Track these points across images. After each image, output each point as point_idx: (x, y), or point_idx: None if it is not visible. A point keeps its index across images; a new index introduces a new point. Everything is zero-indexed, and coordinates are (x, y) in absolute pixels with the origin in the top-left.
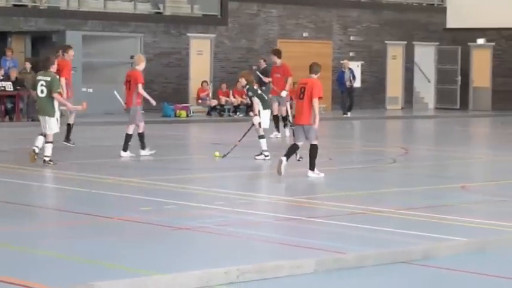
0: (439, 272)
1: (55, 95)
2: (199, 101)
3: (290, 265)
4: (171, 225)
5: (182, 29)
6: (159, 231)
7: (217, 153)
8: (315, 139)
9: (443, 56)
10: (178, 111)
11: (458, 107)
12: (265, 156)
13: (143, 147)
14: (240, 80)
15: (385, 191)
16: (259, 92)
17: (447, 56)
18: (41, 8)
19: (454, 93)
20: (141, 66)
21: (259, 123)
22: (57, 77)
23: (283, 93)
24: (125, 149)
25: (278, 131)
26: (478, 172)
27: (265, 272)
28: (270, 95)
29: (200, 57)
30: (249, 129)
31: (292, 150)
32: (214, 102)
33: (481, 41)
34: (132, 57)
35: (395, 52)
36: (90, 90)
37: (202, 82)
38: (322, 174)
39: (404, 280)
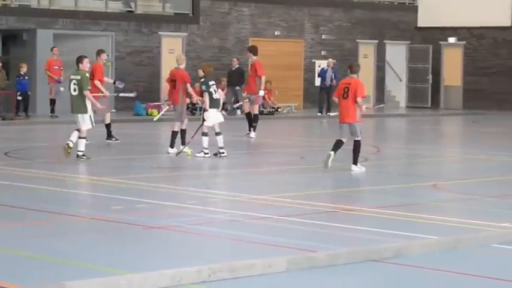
0: (410, 270)
1: (85, 92)
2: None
3: (262, 264)
4: (143, 224)
5: (154, 27)
6: (131, 230)
7: (189, 152)
8: (359, 135)
9: (415, 54)
10: (150, 110)
11: (429, 105)
12: (205, 153)
13: (183, 143)
14: (198, 71)
15: (357, 190)
16: (211, 89)
17: (418, 55)
18: (11, 6)
19: (426, 92)
20: (184, 65)
21: (204, 121)
22: (87, 75)
23: (261, 93)
24: (171, 146)
25: (250, 129)
26: (450, 171)
27: (237, 271)
28: (244, 93)
29: (172, 55)
30: (200, 126)
31: (337, 145)
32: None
33: (452, 40)
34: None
35: (366, 51)
36: (62, 89)
37: None
38: (363, 169)
39: (376, 278)
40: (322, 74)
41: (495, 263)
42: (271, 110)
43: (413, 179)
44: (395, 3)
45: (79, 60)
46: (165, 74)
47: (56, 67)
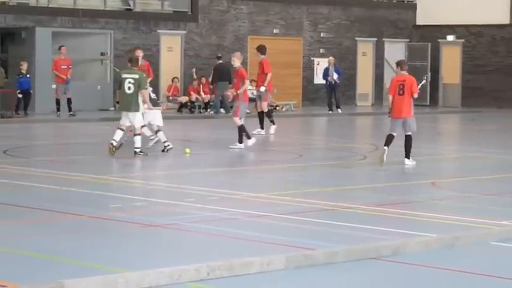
0: (408, 268)
1: (143, 91)
2: (170, 98)
3: (260, 262)
4: (141, 222)
5: (152, 25)
6: (129, 228)
7: (187, 150)
8: (414, 129)
9: (413, 52)
10: None
11: (428, 103)
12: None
13: (241, 141)
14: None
15: (356, 188)
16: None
17: (417, 53)
18: (10, 4)
19: (424, 90)
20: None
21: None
22: (144, 75)
23: (262, 89)
24: (240, 141)
25: (262, 127)
26: (448, 168)
27: (236, 269)
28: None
29: (170, 53)
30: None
31: (389, 140)
32: (185, 99)
33: (450, 37)
34: (102, 53)
35: (365, 49)
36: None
37: (173, 78)
38: (414, 162)
39: (375, 276)
40: (325, 72)
41: (493, 260)
42: (270, 108)
43: (412, 177)
44: (394, 1)
45: (133, 59)
46: (163, 72)
47: (63, 66)
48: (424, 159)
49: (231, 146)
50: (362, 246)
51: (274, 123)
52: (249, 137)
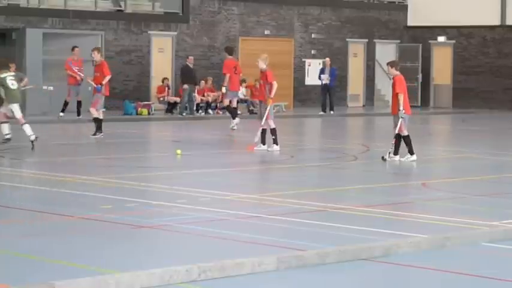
0: (399, 268)
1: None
2: (161, 98)
3: (252, 263)
4: (132, 223)
5: (143, 26)
6: (120, 229)
7: (179, 151)
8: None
9: (404, 53)
10: (139, 109)
11: (419, 104)
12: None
13: (276, 142)
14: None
15: (346, 188)
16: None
17: (408, 54)
18: (0, 5)
19: (415, 91)
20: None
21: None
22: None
23: (223, 90)
24: (276, 142)
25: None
26: (438, 169)
27: (227, 270)
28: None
29: (161, 54)
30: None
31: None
32: (172, 99)
33: (441, 38)
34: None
35: (356, 50)
36: (51, 88)
37: (163, 79)
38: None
39: (366, 277)
40: (321, 73)
41: (484, 261)
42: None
43: (403, 177)
44: (385, 2)
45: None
46: (154, 73)
47: (76, 68)
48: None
49: (269, 149)
50: (353, 247)
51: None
52: (276, 143)
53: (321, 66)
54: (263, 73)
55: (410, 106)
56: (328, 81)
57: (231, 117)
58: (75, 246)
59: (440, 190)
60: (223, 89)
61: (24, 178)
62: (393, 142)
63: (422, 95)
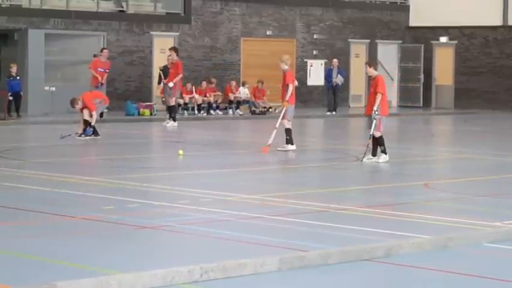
0: (401, 269)
1: None
2: (162, 99)
3: (254, 263)
4: (134, 224)
5: (145, 27)
6: (122, 230)
7: (180, 152)
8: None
9: (406, 54)
10: (141, 109)
11: (421, 105)
12: None
13: (291, 142)
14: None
15: (349, 189)
16: None
17: (410, 54)
18: (2, 6)
19: (417, 91)
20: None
21: None
22: None
23: (170, 84)
24: (291, 142)
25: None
26: (441, 170)
27: (229, 270)
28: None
29: (163, 55)
30: None
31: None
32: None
33: (443, 39)
34: (95, 55)
35: (358, 50)
36: (53, 88)
37: None
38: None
39: (368, 277)
40: (328, 74)
41: (486, 261)
42: (263, 109)
43: (405, 178)
44: (387, 3)
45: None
46: (156, 74)
47: (100, 69)
48: (417, 161)
49: (279, 148)
50: (355, 248)
51: (173, 120)
52: (292, 142)
53: (323, 66)
54: (284, 74)
55: (413, 107)
56: (340, 83)
57: (172, 117)
58: (77, 247)
59: (442, 191)
60: (171, 84)
61: (25, 179)
62: (368, 143)
63: (424, 95)
